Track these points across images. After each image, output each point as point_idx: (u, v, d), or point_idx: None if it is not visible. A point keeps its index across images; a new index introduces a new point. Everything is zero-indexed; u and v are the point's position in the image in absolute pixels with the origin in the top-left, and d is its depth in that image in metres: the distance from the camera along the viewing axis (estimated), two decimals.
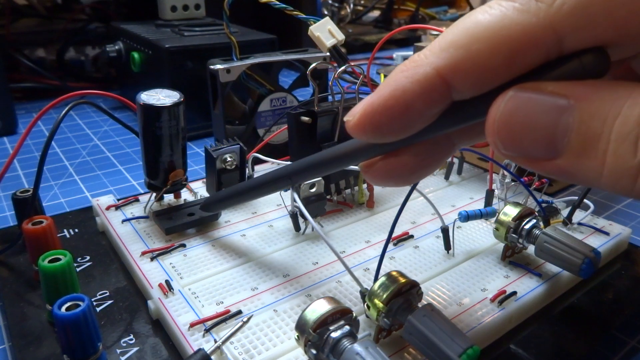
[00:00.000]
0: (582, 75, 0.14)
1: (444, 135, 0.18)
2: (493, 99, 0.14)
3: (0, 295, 0.29)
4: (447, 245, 0.31)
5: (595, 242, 0.32)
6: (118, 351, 0.24)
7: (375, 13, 1.23)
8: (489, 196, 0.36)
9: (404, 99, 0.15)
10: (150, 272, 0.29)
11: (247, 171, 0.36)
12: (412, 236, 0.33)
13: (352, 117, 0.17)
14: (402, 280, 0.23)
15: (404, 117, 0.16)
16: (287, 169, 0.22)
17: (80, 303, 0.22)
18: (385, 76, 0.45)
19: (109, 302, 0.28)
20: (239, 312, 0.25)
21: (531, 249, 0.29)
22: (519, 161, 0.15)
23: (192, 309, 0.26)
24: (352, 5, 1.20)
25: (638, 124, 0.12)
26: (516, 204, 0.30)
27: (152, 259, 0.30)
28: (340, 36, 0.43)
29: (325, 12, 1.10)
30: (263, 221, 0.34)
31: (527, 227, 0.29)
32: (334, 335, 0.21)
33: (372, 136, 0.17)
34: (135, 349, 0.25)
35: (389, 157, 0.19)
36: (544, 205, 0.33)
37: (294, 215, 0.32)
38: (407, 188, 0.26)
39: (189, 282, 0.28)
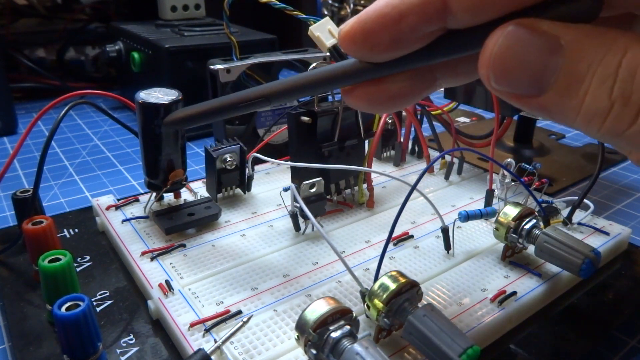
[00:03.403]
0: (575, 18, 0.14)
1: (427, 68, 0.19)
2: (487, 32, 0.15)
3: (0, 295, 0.29)
4: (447, 245, 0.31)
5: (595, 242, 0.32)
6: (118, 351, 0.24)
7: None
8: (489, 196, 0.36)
9: (399, 9, 0.16)
10: (150, 272, 0.29)
11: (247, 171, 0.36)
12: (412, 236, 0.33)
13: (345, 25, 0.17)
14: (402, 280, 0.23)
15: (396, 28, 0.16)
16: (264, 87, 0.21)
17: (80, 303, 0.22)
18: None
19: (109, 302, 0.28)
20: (239, 312, 0.25)
21: (531, 249, 0.29)
22: (505, 96, 0.15)
23: (192, 309, 0.26)
24: (352, 5, 1.20)
25: (616, 71, 0.13)
26: (516, 204, 0.30)
27: (152, 259, 0.30)
28: None
29: (325, 12, 1.10)
30: (263, 221, 0.34)
31: (527, 227, 0.29)
32: (334, 335, 0.21)
33: (360, 47, 0.17)
34: (135, 349, 0.25)
35: (369, 83, 0.19)
36: (544, 205, 0.33)
37: (294, 215, 0.32)
38: (407, 189, 0.26)
39: (189, 282, 0.28)
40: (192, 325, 0.24)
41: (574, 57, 0.14)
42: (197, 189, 0.37)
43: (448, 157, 0.43)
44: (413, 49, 0.17)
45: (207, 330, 0.24)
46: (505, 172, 0.34)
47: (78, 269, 0.30)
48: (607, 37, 0.14)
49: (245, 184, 0.37)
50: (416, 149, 0.45)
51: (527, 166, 0.36)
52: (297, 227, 0.33)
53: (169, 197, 0.36)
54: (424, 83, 0.19)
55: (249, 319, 0.25)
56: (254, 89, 0.21)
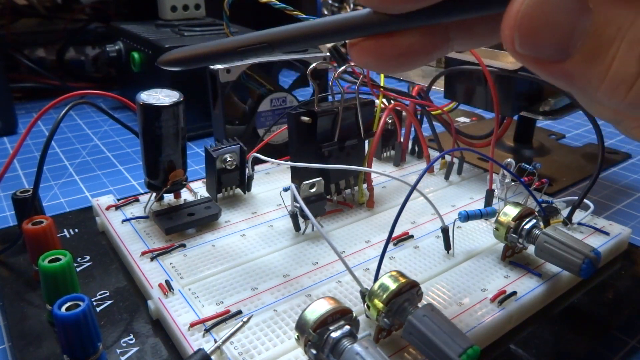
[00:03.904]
0: None
1: (442, 25, 0.18)
2: None
3: (0, 295, 0.29)
4: (447, 245, 0.31)
5: (595, 242, 0.32)
6: (118, 351, 0.24)
7: None
8: (489, 196, 0.36)
9: None
10: (150, 272, 0.29)
11: (247, 171, 0.36)
12: (412, 236, 0.33)
13: None
14: (402, 280, 0.23)
15: None
16: (268, 31, 0.19)
17: (80, 303, 0.22)
18: (385, 76, 0.45)
19: (109, 302, 0.28)
20: (239, 312, 0.25)
21: (531, 249, 0.29)
22: (528, 61, 0.15)
23: (192, 309, 0.26)
24: (352, 5, 1.20)
25: None
26: (516, 204, 0.30)
27: (152, 259, 0.30)
28: None
29: (325, 12, 1.10)
30: (263, 221, 0.34)
31: (527, 227, 0.29)
32: (334, 335, 0.21)
33: None
34: (135, 349, 0.25)
35: (379, 36, 0.18)
36: (544, 205, 0.33)
37: (294, 215, 0.32)
38: (407, 189, 0.26)
39: (189, 282, 0.28)
40: (192, 325, 0.24)
41: (602, 20, 0.13)
42: (197, 189, 0.37)
43: (448, 157, 0.43)
44: (432, 2, 0.16)
45: (207, 330, 0.24)
46: (505, 172, 0.34)
47: (78, 269, 0.30)
48: (637, 1, 0.13)
49: (245, 184, 0.37)
50: (416, 149, 0.45)
51: (527, 166, 0.36)
52: (297, 227, 0.33)
53: (169, 197, 0.36)
54: (437, 41, 0.18)
55: (249, 319, 0.25)
56: (257, 33, 0.19)
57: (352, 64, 0.34)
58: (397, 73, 0.25)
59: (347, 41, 0.19)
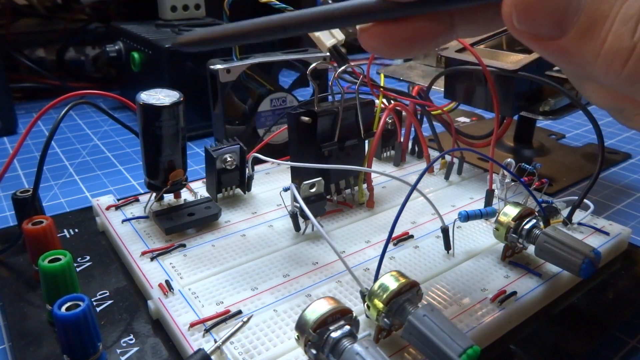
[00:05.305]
0: None
1: (446, 12, 0.19)
2: None
3: (0, 295, 0.29)
4: (447, 245, 0.31)
5: (595, 242, 0.32)
6: (118, 351, 0.24)
7: None
8: (489, 196, 0.36)
9: None
10: (150, 272, 0.29)
11: (247, 171, 0.36)
12: (412, 236, 0.33)
13: None
14: (402, 280, 0.23)
15: None
16: (282, 17, 0.20)
17: (80, 303, 0.22)
18: (385, 76, 0.45)
19: (109, 302, 0.28)
20: (239, 312, 0.25)
21: (531, 249, 0.29)
22: (525, 37, 0.15)
23: (192, 309, 0.26)
24: None
25: (639, 11, 0.13)
26: (516, 204, 0.30)
27: (152, 259, 0.30)
28: (340, 36, 0.43)
29: None
30: (263, 221, 0.34)
31: (527, 227, 0.29)
32: (334, 335, 0.21)
33: None
34: (135, 349, 0.25)
35: (388, 22, 0.19)
36: (544, 205, 0.33)
37: (294, 215, 0.32)
38: (407, 189, 0.26)
39: (189, 282, 0.28)
40: (192, 325, 0.24)
41: None
42: (197, 189, 0.37)
43: (448, 157, 0.43)
44: None
45: (207, 330, 0.24)
46: (505, 172, 0.34)
47: (78, 269, 0.30)
48: None
49: (245, 184, 0.37)
50: (416, 149, 0.45)
51: (527, 166, 0.36)
52: (297, 227, 0.33)
53: (169, 197, 0.36)
54: (441, 27, 0.19)
55: (249, 319, 0.25)
56: (271, 17, 0.20)
57: (352, 64, 0.34)
58: (404, 57, 0.26)
59: (357, 27, 0.19)
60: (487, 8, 0.18)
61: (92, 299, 0.28)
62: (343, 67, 0.33)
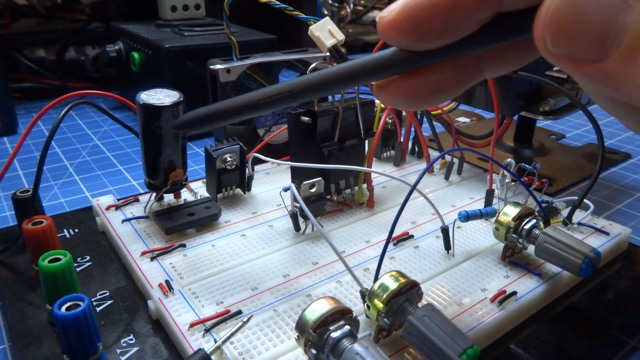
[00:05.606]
0: None
1: (473, 56, 0.17)
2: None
3: (0, 295, 0.29)
4: (447, 245, 0.31)
5: (595, 242, 0.32)
6: (118, 351, 0.24)
7: (376, 13, 1.23)
8: (489, 196, 0.36)
9: None
10: (150, 272, 0.29)
11: (247, 171, 0.36)
12: (412, 236, 0.33)
13: (388, 13, 0.16)
14: (402, 280, 0.23)
15: (449, 15, 0.15)
16: (290, 83, 0.18)
17: (80, 303, 0.22)
18: None
19: (109, 302, 0.28)
20: (239, 312, 0.25)
21: (531, 249, 0.29)
22: (561, 61, 0.14)
23: (192, 309, 0.26)
24: (352, 5, 1.20)
25: None
26: (516, 204, 0.30)
27: (152, 259, 0.30)
28: (341, 36, 0.43)
29: (325, 12, 1.10)
30: (263, 221, 0.34)
31: (527, 227, 0.29)
32: (334, 335, 0.21)
33: (407, 36, 0.16)
34: (135, 349, 0.25)
35: (408, 75, 0.17)
36: (544, 205, 0.33)
37: (294, 215, 0.32)
38: (407, 189, 0.26)
39: (189, 282, 0.28)
40: (192, 325, 0.24)
41: None
42: (197, 189, 0.37)
43: (448, 157, 0.43)
44: (463, 36, 0.15)
45: (207, 330, 0.24)
46: (505, 172, 0.34)
47: (78, 269, 0.30)
48: None
49: (245, 184, 0.37)
50: (416, 149, 0.45)
51: (527, 166, 0.36)
52: (297, 227, 0.33)
53: (169, 197, 0.35)
54: (469, 72, 0.18)
55: (249, 319, 0.25)
56: (279, 85, 0.19)
57: None
58: (432, 106, 0.24)
59: (373, 83, 0.18)
60: (519, 45, 0.17)
61: (92, 299, 0.28)
62: None
